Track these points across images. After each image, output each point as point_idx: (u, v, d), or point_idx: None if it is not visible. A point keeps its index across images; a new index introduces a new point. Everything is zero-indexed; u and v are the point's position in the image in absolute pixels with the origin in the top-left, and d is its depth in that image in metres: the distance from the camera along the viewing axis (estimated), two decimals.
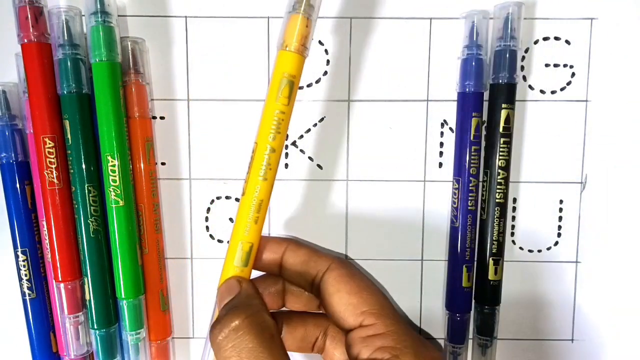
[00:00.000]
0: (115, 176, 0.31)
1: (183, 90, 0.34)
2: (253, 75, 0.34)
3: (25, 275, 0.33)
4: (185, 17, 0.34)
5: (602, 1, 0.33)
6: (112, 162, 0.30)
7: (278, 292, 0.31)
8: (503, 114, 0.32)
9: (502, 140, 0.32)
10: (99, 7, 0.30)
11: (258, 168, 0.27)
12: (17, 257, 0.33)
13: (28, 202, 0.33)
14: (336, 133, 0.34)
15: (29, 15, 0.30)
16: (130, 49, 0.32)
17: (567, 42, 0.34)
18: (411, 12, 0.33)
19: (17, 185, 0.33)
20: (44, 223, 0.32)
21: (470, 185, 0.33)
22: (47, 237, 0.32)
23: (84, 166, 0.31)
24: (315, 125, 0.34)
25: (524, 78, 0.34)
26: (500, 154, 0.32)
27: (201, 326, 0.36)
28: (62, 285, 0.32)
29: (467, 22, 0.32)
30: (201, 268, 0.35)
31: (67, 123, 0.31)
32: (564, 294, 0.35)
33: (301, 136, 0.34)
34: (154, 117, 0.34)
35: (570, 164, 0.34)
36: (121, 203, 0.31)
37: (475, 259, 0.34)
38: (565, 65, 0.34)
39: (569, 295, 0.35)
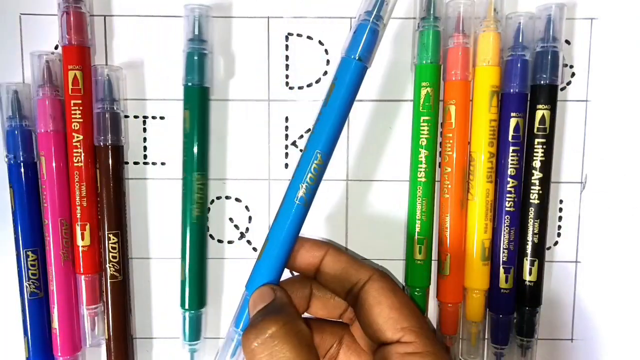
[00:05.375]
0: None
1: (183, 90, 0.34)
2: (253, 75, 0.34)
3: (34, 275, 0.33)
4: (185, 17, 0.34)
5: (602, 1, 0.33)
6: (423, 153, 0.32)
7: (305, 296, 0.30)
8: (538, 114, 0.32)
9: (536, 140, 0.32)
10: (431, 12, 0.32)
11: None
12: (26, 257, 0.33)
13: (39, 202, 0.33)
14: None
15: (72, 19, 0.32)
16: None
17: (567, 42, 0.34)
18: (410, 12, 0.33)
19: (27, 185, 0.33)
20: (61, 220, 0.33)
21: (509, 186, 0.32)
22: (67, 235, 0.33)
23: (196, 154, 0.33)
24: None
25: None
26: (535, 154, 0.32)
27: (202, 325, 0.36)
28: (82, 277, 0.33)
29: (513, 23, 0.32)
30: None
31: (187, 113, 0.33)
32: (564, 294, 0.35)
33: (301, 136, 0.34)
34: (154, 117, 0.34)
35: (570, 164, 0.34)
36: None
37: (515, 260, 0.33)
38: (565, 65, 0.34)
39: (569, 295, 0.35)
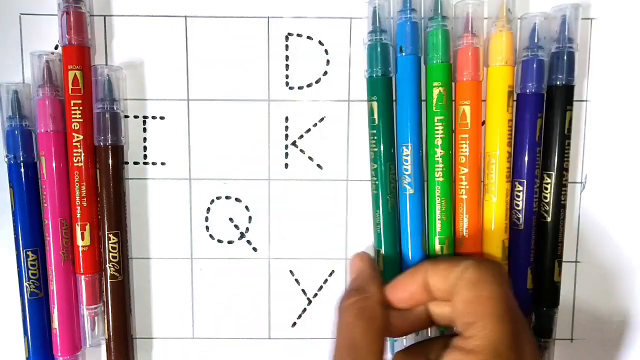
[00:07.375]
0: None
1: (183, 90, 0.34)
2: (253, 75, 0.34)
3: (34, 275, 0.33)
4: (185, 17, 0.34)
5: (602, 1, 0.33)
6: (440, 153, 0.32)
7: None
8: (568, 115, 0.32)
9: (566, 142, 0.32)
10: (439, 12, 0.32)
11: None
12: (26, 257, 0.33)
13: (39, 202, 0.33)
14: (336, 133, 0.34)
15: (72, 19, 0.32)
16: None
17: None
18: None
19: (27, 185, 0.33)
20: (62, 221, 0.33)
21: (535, 187, 0.32)
22: (67, 235, 0.33)
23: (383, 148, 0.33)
24: (315, 125, 0.34)
25: None
26: (565, 155, 0.32)
27: (201, 325, 0.36)
28: (82, 277, 0.33)
29: (527, 23, 0.32)
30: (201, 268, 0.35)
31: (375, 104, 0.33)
32: (564, 294, 0.35)
33: (301, 136, 0.34)
34: (154, 117, 0.34)
35: (570, 164, 0.34)
36: None
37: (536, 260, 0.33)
38: None
39: (569, 295, 0.35)
